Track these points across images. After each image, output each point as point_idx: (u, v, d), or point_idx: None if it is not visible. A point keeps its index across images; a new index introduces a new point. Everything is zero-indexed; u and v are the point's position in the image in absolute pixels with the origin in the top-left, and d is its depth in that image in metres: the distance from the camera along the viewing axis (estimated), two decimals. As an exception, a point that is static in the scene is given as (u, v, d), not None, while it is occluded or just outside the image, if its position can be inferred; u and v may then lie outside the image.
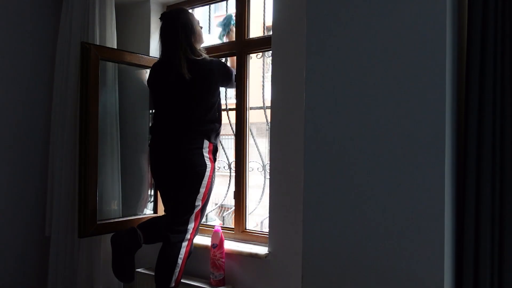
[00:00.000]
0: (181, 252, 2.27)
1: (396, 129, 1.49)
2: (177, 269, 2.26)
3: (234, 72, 2.50)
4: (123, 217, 2.68)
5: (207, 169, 2.32)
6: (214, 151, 2.41)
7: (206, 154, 2.34)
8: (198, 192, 2.30)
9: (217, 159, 2.49)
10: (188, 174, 2.30)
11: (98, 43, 2.63)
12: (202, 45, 2.46)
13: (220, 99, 2.45)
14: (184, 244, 2.28)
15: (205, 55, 2.39)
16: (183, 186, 2.32)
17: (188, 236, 2.29)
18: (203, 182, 2.31)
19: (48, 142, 2.84)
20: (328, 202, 1.63)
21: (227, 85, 2.51)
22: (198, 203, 2.31)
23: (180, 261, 2.26)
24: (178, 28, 2.33)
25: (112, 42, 2.71)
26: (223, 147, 2.91)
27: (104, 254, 2.67)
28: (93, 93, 2.47)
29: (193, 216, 2.31)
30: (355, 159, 1.57)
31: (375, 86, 1.54)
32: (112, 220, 2.58)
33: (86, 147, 2.46)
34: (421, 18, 1.45)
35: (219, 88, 2.42)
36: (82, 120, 2.47)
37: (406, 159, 1.47)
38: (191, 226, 2.31)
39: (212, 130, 2.37)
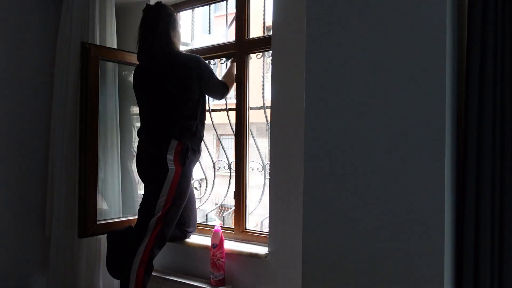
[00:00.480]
0: (133, 267, 2.16)
1: (396, 129, 1.49)
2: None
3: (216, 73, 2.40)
4: (123, 217, 2.68)
5: (169, 175, 2.20)
6: (183, 153, 2.23)
7: (170, 157, 2.19)
8: (157, 198, 2.20)
9: (193, 161, 2.33)
10: (152, 180, 2.24)
11: (98, 43, 2.63)
12: (203, 45, 2.45)
13: (202, 97, 2.35)
14: (136, 260, 2.18)
15: (182, 51, 2.34)
16: (146, 192, 2.28)
17: (142, 246, 2.19)
18: (163, 189, 2.19)
19: (48, 142, 2.84)
20: (328, 202, 1.63)
21: (208, 84, 2.32)
22: (157, 212, 2.20)
23: (132, 278, 2.15)
24: (159, 18, 2.27)
25: (112, 42, 2.72)
26: (223, 147, 2.91)
27: (104, 254, 2.67)
28: (93, 93, 2.48)
29: (150, 226, 2.20)
30: (355, 159, 1.57)
31: (375, 86, 1.54)
32: (112, 220, 2.58)
33: (86, 146, 2.46)
34: (421, 18, 1.45)
35: (196, 85, 2.27)
36: (82, 119, 2.48)
37: (406, 159, 1.47)
38: (147, 236, 2.20)
39: (186, 128, 2.25)
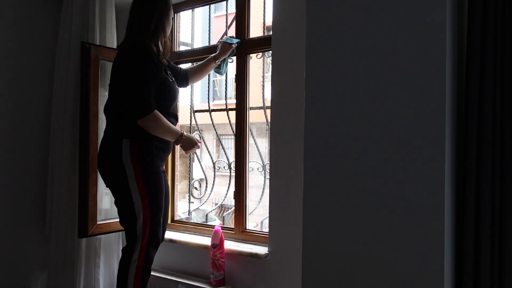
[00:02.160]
0: (130, 275, 2.06)
1: (396, 129, 1.49)
2: None
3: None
4: (123, 217, 2.68)
5: (128, 175, 2.01)
6: (141, 151, 2.03)
7: (125, 158, 2.01)
8: (131, 200, 2.03)
9: (158, 155, 2.09)
10: (113, 184, 2.11)
11: (98, 43, 2.63)
12: (203, 45, 2.44)
13: (165, 87, 2.11)
14: (132, 267, 2.07)
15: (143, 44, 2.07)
16: (115, 196, 2.14)
17: (136, 253, 2.07)
18: (132, 192, 2.02)
19: (48, 142, 2.84)
20: (328, 202, 1.63)
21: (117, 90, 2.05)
22: (139, 215, 2.04)
23: (130, 286, 2.05)
24: (156, 8, 2.08)
25: (112, 42, 2.72)
26: (223, 147, 2.91)
27: (104, 254, 2.67)
28: (93, 93, 2.48)
29: (139, 231, 2.06)
30: (355, 159, 1.57)
31: (375, 86, 1.54)
32: (112, 220, 2.58)
33: (86, 147, 2.46)
34: (421, 18, 1.45)
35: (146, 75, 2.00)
36: (82, 120, 2.48)
37: (406, 159, 1.47)
38: (138, 242, 2.07)
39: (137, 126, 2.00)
